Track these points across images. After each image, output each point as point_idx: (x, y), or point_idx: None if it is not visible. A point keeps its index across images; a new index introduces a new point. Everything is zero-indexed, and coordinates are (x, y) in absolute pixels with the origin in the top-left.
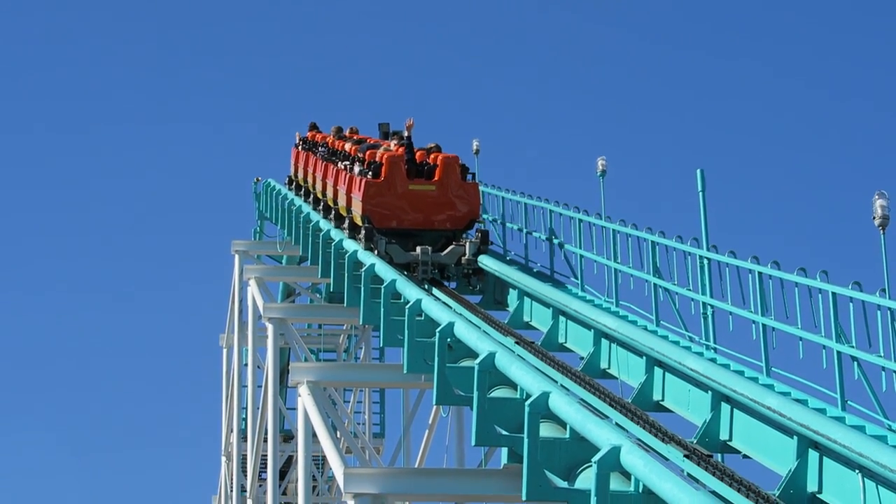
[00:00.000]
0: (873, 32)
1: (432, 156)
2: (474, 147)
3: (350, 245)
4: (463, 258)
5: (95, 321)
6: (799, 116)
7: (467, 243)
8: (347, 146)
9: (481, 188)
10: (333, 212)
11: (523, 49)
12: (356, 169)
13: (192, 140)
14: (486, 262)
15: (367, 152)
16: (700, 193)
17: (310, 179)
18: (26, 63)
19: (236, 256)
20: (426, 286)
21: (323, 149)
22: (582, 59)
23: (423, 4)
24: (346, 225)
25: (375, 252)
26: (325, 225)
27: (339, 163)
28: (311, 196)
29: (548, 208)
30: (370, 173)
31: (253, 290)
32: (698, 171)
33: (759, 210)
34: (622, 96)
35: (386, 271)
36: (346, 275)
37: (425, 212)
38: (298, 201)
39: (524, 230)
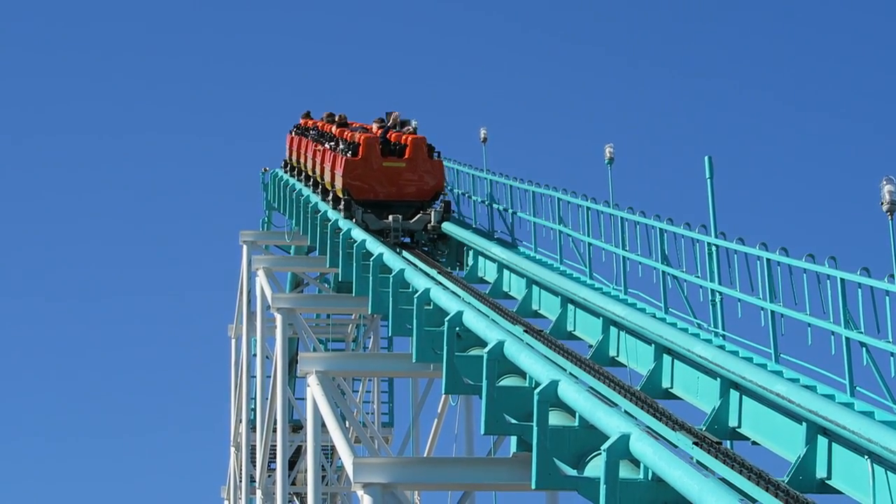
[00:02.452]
0: (887, 17)
1: (403, 137)
2: (482, 135)
3: (358, 234)
4: (429, 225)
5: (104, 312)
6: (806, 102)
7: (433, 212)
8: (334, 129)
9: (448, 164)
10: (320, 186)
11: (531, 37)
12: (339, 148)
13: (199, 131)
14: (448, 228)
15: (349, 134)
16: (708, 180)
17: (302, 160)
18: (37, 60)
19: (244, 247)
20: (397, 249)
21: (313, 132)
22: (589, 47)
23: None
24: (330, 197)
25: (353, 220)
26: (333, 215)
27: (326, 143)
28: (303, 174)
29: (556, 196)
30: (350, 152)
31: (261, 280)
32: (706, 158)
33: (767, 197)
34: (630, 84)
35: (394, 261)
36: (354, 264)
37: (397, 185)
38: (307, 191)
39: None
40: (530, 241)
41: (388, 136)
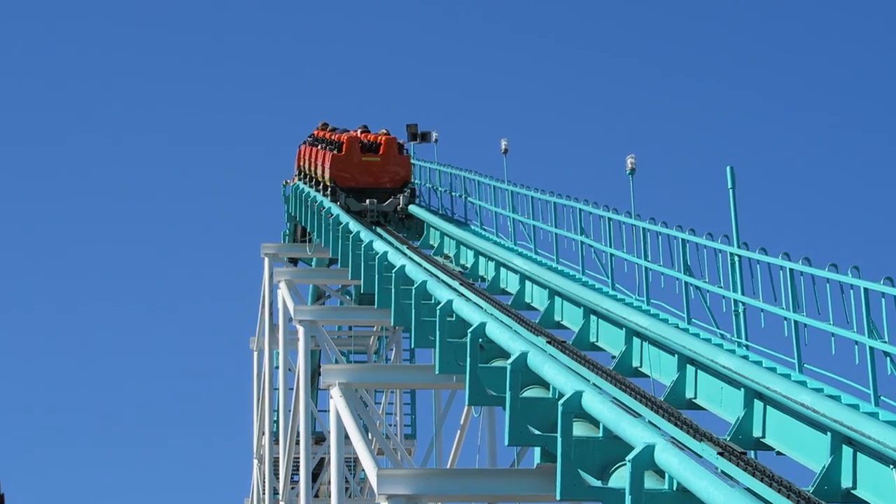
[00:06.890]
0: None
1: (378, 137)
2: (503, 147)
3: (380, 247)
4: (398, 207)
5: (127, 326)
6: (828, 110)
7: (401, 197)
8: (326, 134)
9: (415, 161)
10: (314, 179)
11: (552, 48)
12: (327, 147)
13: (222, 143)
14: (413, 209)
15: (336, 136)
16: (730, 190)
17: (303, 162)
18: (56, 73)
19: (266, 259)
20: (376, 229)
21: (310, 138)
22: (611, 57)
23: (452, 1)
24: (321, 186)
25: (338, 203)
26: (354, 227)
27: (319, 145)
28: (303, 173)
29: (577, 207)
30: (335, 150)
31: (283, 292)
32: (728, 168)
33: (789, 207)
34: (652, 94)
35: (416, 272)
36: (376, 276)
37: (373, 175)
38: (328, 203)
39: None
40: (550, 252)
41: (365, 136)
